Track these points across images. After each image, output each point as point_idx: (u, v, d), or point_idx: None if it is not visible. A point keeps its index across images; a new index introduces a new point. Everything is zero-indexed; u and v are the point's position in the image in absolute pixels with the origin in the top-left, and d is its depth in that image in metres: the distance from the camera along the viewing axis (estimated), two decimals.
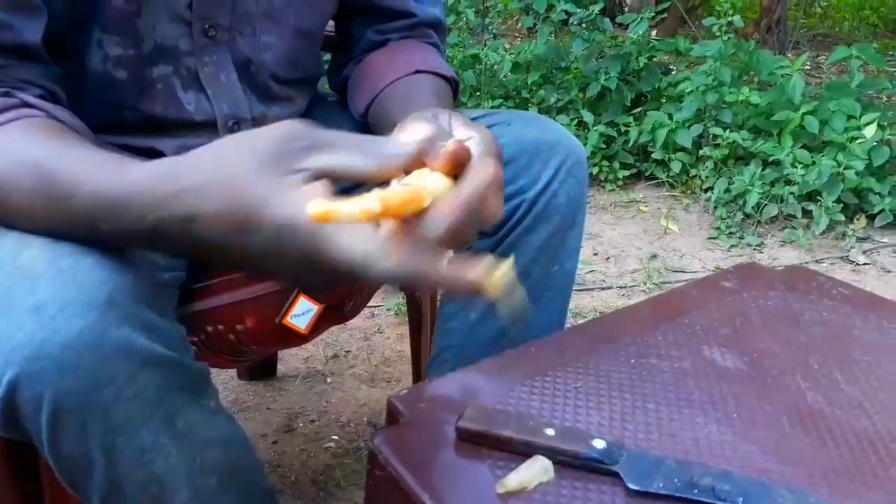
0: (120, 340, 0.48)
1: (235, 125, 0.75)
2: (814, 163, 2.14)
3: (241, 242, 0.45)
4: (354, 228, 0.43)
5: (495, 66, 2.71)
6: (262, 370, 1.41)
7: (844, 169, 2.10)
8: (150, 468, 0.53)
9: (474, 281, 0.44)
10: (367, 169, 0.46)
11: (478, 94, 2.67)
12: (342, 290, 0.83)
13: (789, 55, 2.77)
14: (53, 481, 0.65)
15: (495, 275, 0.45)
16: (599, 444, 0.54)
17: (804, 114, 2.22)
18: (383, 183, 0.47)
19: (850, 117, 2.22)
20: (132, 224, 0.48)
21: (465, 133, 0.54)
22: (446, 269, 0.44)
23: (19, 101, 0.57)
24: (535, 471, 0.52)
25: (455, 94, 0.82)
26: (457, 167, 0.48)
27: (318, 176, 0.45)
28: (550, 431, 0.55)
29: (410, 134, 0.52)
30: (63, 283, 0.48)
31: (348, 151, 0.46)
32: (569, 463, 0.54)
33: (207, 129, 0.74)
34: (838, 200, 2.11)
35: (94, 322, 0.47)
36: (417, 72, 0.78)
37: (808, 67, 3.49)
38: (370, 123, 0.81)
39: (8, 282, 0.49)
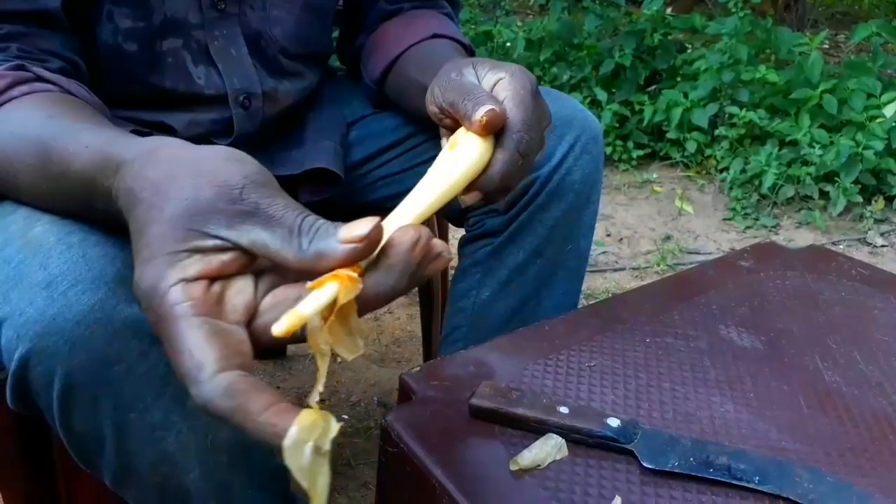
0: (130, 317, 0.48)
1: (246, 100, 0.74)
2: (832, 143, 2.10)
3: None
4: (208, 330, 0.36)
5: (507, 44, 2.68)
6: (271, 350, 1.41)
7: (863, 149, 2.06)
8: (160, 446, 0.53)
9: (284, 433, 0.36)
10: (290, 260, 0.38)
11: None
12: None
13: (807, 33, 2.71)
14: (66, 458, 0.65)
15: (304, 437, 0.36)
16: (614, 422, 0.53)
17: (822, 92, 2.18)
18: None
19: (869, 96, 2.17)
20: (97, 203, 0.46)
21: (493, 77, 0.55)
22: (267, 415, 0.35)
23: (33, 74, 0.56)
24: (549, 448, 0.52)
25: None
26: (492, 131, 0.51)
27: (229, 248, 0.38)
28: (564, 409, 0.54)
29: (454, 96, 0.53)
30: (73, 258, 0.47)
31: (282, 236, 0.38)
32: (583, 441, 0.53)
33: (218, 103, 0.73)
34: (856, 181, 2.07)
35: (103, 298, 0.47)
36: (435, 36, 0.77)
37: (827, 46, 3.43)
38: (386, 89, 0.80)
39: (19, 256, 0.48)
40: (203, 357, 0.35)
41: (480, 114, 0.50)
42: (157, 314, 0.37)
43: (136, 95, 0.70)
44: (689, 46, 2.76)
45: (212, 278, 0.38)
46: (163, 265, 0.37)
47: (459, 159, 0.50)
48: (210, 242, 0.38)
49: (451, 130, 0.55)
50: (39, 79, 0.56)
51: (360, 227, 0.37)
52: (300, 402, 1.24)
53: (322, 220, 0.39)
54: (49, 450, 0.67)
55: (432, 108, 0.57)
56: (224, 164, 0.40)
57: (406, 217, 0.46)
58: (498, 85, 0.54)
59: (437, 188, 0.49)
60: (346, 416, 1.26)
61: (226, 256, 0.38)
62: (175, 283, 0.37)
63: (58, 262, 0.47)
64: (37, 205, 0.53)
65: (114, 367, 0.48)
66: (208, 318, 0.36)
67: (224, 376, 0.35)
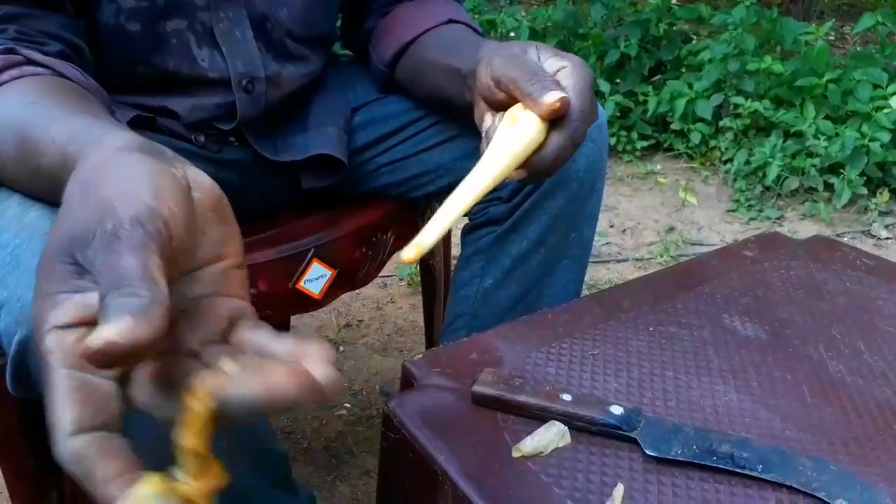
0: None
1: (249, 84, 0.74)
2: (837, 134, 2.09)
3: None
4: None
5: (511, 33, 2.67)
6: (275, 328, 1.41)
7: (869, 141, 2.05)
8: (161, 430, 0.53)
9: None
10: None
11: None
12: (357, 258, 0.82)
13: (813, 24, 2.69)
14: None
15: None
16: (617, 410, 0.53)
17: (828, 82, 2.17)
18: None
19: (875, 87, 2.16)
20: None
21: (556, 63, 0.57)
22: (109, 486, 0.33)
23: (23, 58, 0.55)
24: (552, 436, 0.51)
25: None
26: (556, 116, 0.54)
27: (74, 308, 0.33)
28: (567, 397, 0.54)
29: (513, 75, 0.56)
30: None
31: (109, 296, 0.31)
32: (585, 429, 0.53)
33: (221, 86, 0.73)
34: (861, 173, 2.06)
35: None
36: (451, 21, 0.77)
37: (832, 37, 3.41)
38: (398, 72, 0.80)
39: (15, 241, 0.48)
40: (61, 415, 0.32)
41: (552, 99, 0.53)
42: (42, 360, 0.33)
43: (139, 78, 0.70)
44: (695, 37, 2.75)
45: (88, 323, 0.32)
46: (42, 307, 0.33)
47: (520, 135, 0.54)
48: (86, 281, 0.33)
49: (500, 106, 0.58)
50: (30, 62, 0.55)
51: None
52: None
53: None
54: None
55: (486, 81, 0.59)
56: (122, 195, 0.34)
57: (472, 190, 0.52)
58: (561, 73, 0.57)
59: (500, 161, 0.53)
60: (348, 405, 1.27)
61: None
62: (49, 329, 0.32)
63: None
64: (23, 192, 0.52)
65: None
66: (73, 371, 0.32)
67: (74, 440, 0.32)
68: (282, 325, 1.40)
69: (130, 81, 0.69)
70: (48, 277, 0.33)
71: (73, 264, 0.33)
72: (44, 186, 0.48)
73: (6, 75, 0.54)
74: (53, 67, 0.56)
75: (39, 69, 0.55)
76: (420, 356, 0.61)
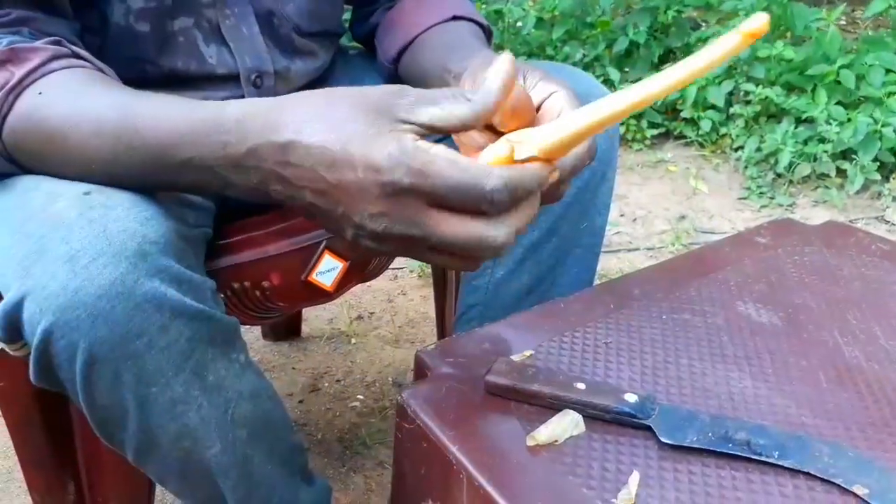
0: (151, 291, 0.48)
1: (258, 79, 0.74)
2: (849, 120, 2.07)
3: (324, 181, 0.45)
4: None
5: (518, 22, 2.65)
6: (286, 331, 1.42)
7: (882, 126, 2.03)
8: (182, 420, 0.53)
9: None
10: (467, 120, 0.46)
11: (500, 51, 2.61)
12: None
13: (824, 8, 2.66)
14: (86, 435, 0.66)
15: None
16: (631, 398, 0.53)
17: (840, 68, 2.14)
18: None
19: (888, 71, 2.13)
20: (215, 150, 0.48)
21: (546, 89, 0.55)
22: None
23: (70, 51, 0.57)
24: (566, 424, 0.51)
25: (489, 42, 0.80)
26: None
27: (421, 131, 0.45)
28: (581, 386, 0.54)
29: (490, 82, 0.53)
30: (94, 233, 0.48)
31: (451, 103, 0.45)
32: (599, 417, 0.53)
33: (230, 82, 0.73)
34: (874, 159, 2.04)
35: (124, 273, 0.47)
36: (455, 18, 0.76)
37: (844, 22, 3.37)
38: (401, 69, 0.80)
39: (41, 230, 0.49)
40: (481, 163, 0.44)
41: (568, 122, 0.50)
42: (414, 168, 0.43)
43: (147, 76, 0.70)
44: (704, 24, 2.72)
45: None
46: (391, 137, 0.43)
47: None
48: (402, 127, 0.44)
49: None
50: (76, 55, 0.57)
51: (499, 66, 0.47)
52: (314, 384, 1.26)
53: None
54: (70, 425, 0.68)
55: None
56: (361, 87, 0.48)
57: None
58: (551, 98, 0.54)
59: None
60: (361, 397, 1.27)
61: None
62: (415, 140, 0.44)
63: (79, 236, 0.47)
64: (78, 170, 0.53)
65: (135, 340, 0.48)
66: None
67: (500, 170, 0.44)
68: (294, 318, 1.41)
69: (139, 80, 0.70)
70: (377, 125, 0.44)
71: (385, 118, 0.45)
72: (138, 158, 0.51)
73: (56, 64, 0.55)
74: (94, 62, 0.58)
75: (84, 63, 0.57)
76: (433, 346, 0.61)
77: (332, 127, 0.45)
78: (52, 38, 0.57)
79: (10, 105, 0.53)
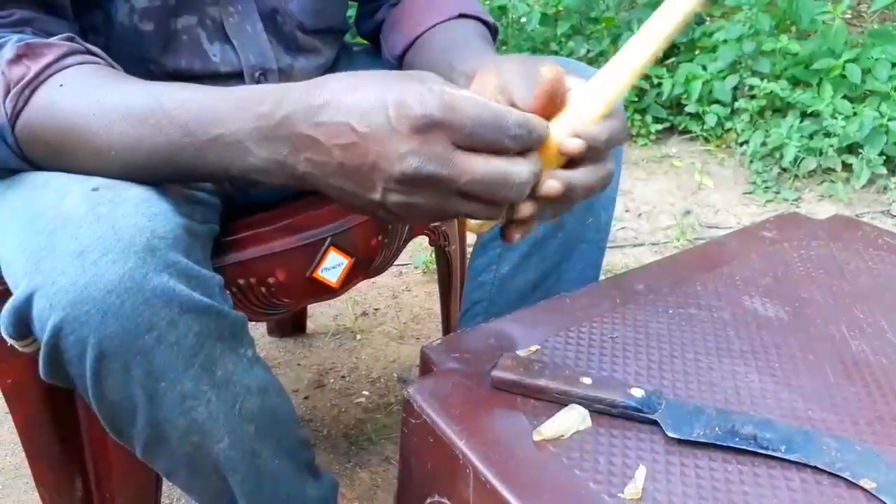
0: (159, 286, 0.48)
1: (262, 76, 0.74)
2: (855, 114, 2.06)
3: (355, 132, 0.46)
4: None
5: (522, 19, 2.64)
6: (292, 327, 1.42)
7: (888, 120, 2.02)
8: (191, 415, 0.53)
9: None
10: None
11: (504, 47, 2.61)
12: (374, 247, 0.82)
13: (829, 2, 2.65)
14: (93, 430, 0.67)
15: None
16: (638, 392, 0.53)
17: (846, 62, 2.13)
18: None
19: (894, 65, 2.12)
20: (248, 122, 0.49)
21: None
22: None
23: (84, 48, 0.57)
24: (572, 419, 0.51)
25: (494, 40, 0.80)
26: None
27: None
28: (587, 380, 0.54)
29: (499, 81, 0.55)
30: (103, 229, 0.48)
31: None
32: (606, 412, 0.53)
33: (234, 80, 0.73)
34: (880, 153, 2.03)
35: (133, 268, 0.47)
36: (461, 15, 0.76)
37: (849, 16, 3.35)
38: (406, 66, 0.80)
39: (51, 226, 0.49)
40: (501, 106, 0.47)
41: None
42: (442, 102, 0.45)
43: (152, 75, 0.70)
44: (708, 18, 2.71)
45: None
46: (420, 83, 0.46)
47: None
48: (430, 79, 0.48)
49: None
50: (89, 52, 0.58)
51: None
52: (320, 379, 1.26)
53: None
54: (77, 422, 0.68)
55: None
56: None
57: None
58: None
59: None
60: (366, 393, 1.27)
61: None
62: (442, 83, 0.47)
63: (88, 232, 0.48)
64: (96, 159, 0.53)
65: (145, 335, 0.48)
66: None
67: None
68: (299, 314, 1.41)
69: (143, 77, 0.70)
70: (412, 77, 0.48)
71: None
72: (162, 143, 0.52)
73: (71, 59, 0.55)
74: (106, 59, 0.58)
75: (97, 59, 0.58)
76: (438, 342, 0.61)
77: (366, 88, 0.47)
78: (66, 35, 0.57)
79: (25, 99, 0.54)
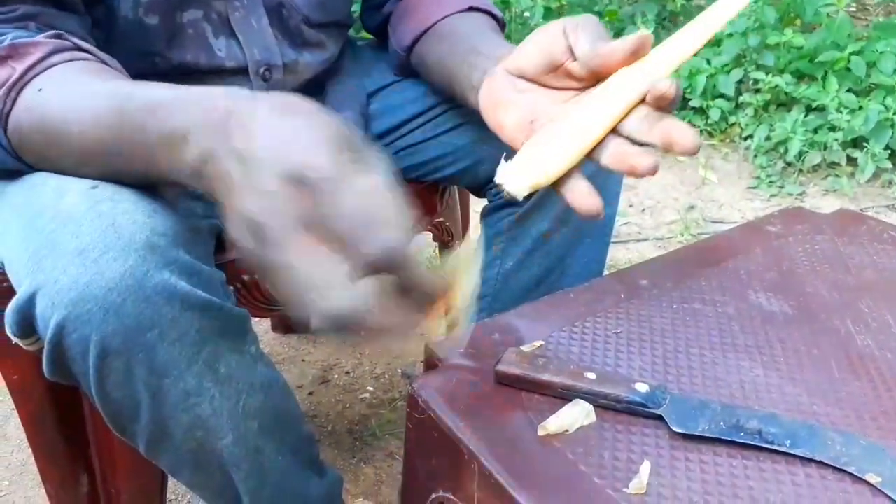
0: (161, 283, 0.48)
1: (267, 71, 0.74)
2: (860, 107, 2.05)
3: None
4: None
5: (526, 13, 2.64)
6: (296, 323, 1.42)
7: (893, 114, 2.01)
8: (194, 412, 0.53)
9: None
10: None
11: (508, 41, 2.60)
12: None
13: None
14: (99, 427, 0.67)
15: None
16: (642, 387, 0.53)
17: (851, 54, 2.12)
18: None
19: None
20: (196, 116, 0.46)
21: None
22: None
23: (71, 43, 0.57)
24: (577, 414, 0.51)
25: (502, 34, 0.80)
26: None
27: None
28: (591, 375, 0.54)
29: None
30: (103, 227, 0.48)
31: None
32: (610, 407, 0.53)
33: (239, 75, 0.73)
34: (885, 147, 2.02)
35: (134, 265, 0.47)
36: (471, 8, 0.76)
37: (854, 8, 3.33)
38: (414, 57, 0.79)
39: (52, 225, 0.49)
40: None
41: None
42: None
43: (156, 70, 0.70)
44: None
45: None
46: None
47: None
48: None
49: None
50: (78, 48, 0.57)
51: None
52: (324, 375, 1.25)
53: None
54: (82, 419, 0.69)
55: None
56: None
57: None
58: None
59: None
60: (370, 388, 1.27)
61: None
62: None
63: (89, 230, 0.48)
64: (84, 171, 0.53)
65: (147, 333, 0.48)
66: None
67: None
68: None
69: (148, 73, 0.70)
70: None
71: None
72: (137, 148, 0.49)
73: (57, 58, 0.55)
74: (97, 55, 0.58)
75: (87, 55, 0.57)
76: (443, 337, 0.61)
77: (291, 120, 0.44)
78: (53, 32, 0.56)
79: (12, 101, 0.53)
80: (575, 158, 0.51)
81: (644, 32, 0.51)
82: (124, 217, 0.49)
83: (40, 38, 0.55)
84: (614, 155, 0.50)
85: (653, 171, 0.49)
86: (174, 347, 0.50)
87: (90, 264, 0.47)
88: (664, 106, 0.50)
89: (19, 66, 0.53)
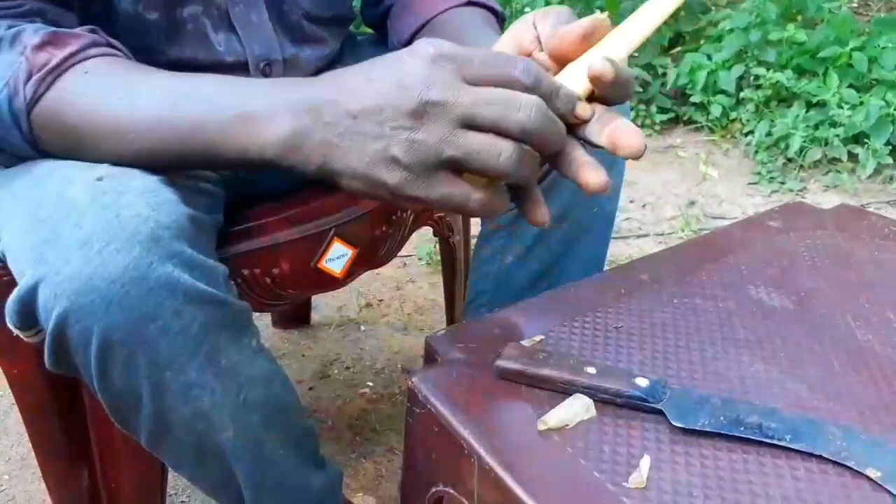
0: (164, 276, 0.48)
1: (267, 66, 0.74)
2: (861, 103, 2.05)
3: (368, 85, 0.48)
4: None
5: (527, 8, 2.63)
6: (296, 318, 1.42)
7: (894, 110, 2.00)
8: (196, 404, 0.53)
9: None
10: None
11: None
12: (378, 237, 0.82)
13: None
14: (99, 421, 0.67)
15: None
16: (642, 382, 0.53)
17: (852, 50, 2.12)
18: None
19: None
20: (275, 98, 0.51)
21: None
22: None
23: (105, 40, 0.58)
24: (577, 408, 0.51)
25: (501, 28, 0.80)
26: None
27: None
28: (591, 370, 0.54)
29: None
30: (107, 218, 0.48)
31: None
32: (610, 401, 0.53)
33: (239, 70, 0.73)
34: (886, 143, 2.02)
35: (137, 257, 0.47)
36: (470, 3, 0.76)
37: (856, 5, 3.33)
38: None
39: (55, 216, 0.49)
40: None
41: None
42: (453, 47, 0.47)
43: (155, 66, 0.70)
44: (713, 7, 2.69)
45: None
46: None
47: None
48: None
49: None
50: (110, 44, 0.58)
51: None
52: (324, 370, 1.26)
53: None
54: (83, 412, 0.69)
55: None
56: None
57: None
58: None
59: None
60: (370, 384, 1.27)
61: None
62: None
63: (92, 221, 0.48)
64: (126, 145, 0.54)
65: (149, 325, 0.48)
66: None
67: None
68: (303, 305, 1.41)
69: None
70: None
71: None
72: (208, 130, 0.52)
73: (95, 50, 0.56)
74: (126, 52, 0.59)
75: (118, 52, 0.58)
76: (443, 332, 0.61)
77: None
78: (89, 27, 0.57)
79: (48, 85, 0.54)
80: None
81: (599, 15, 0.51)
82: (128, 209, 0.49)
83: (79, 30, 0.56)
84: (570, 166, 0.50)
85: (603, 189, 0.49)
86: (176, 340, 0.50)
87: (93, 255, 0.47)
88: (605, 91, 0.50)
89: (59, 54, 0.54)
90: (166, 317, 0.49)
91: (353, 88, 0.48)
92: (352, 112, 0.47)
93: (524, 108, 0.46)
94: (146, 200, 0.50)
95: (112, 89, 0.54)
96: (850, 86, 2.12)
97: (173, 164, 0.54)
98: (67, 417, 0.70)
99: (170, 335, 0.49)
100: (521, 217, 0.80)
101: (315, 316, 1.45)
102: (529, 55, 0.54)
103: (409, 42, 0.79)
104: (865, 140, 2.04)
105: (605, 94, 0.50)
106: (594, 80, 0.49)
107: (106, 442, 0.69)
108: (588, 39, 0.51)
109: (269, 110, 0.50)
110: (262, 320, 1.42)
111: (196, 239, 0.52)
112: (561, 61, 0.53)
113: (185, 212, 0.52)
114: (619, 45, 0.52)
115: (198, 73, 0.55)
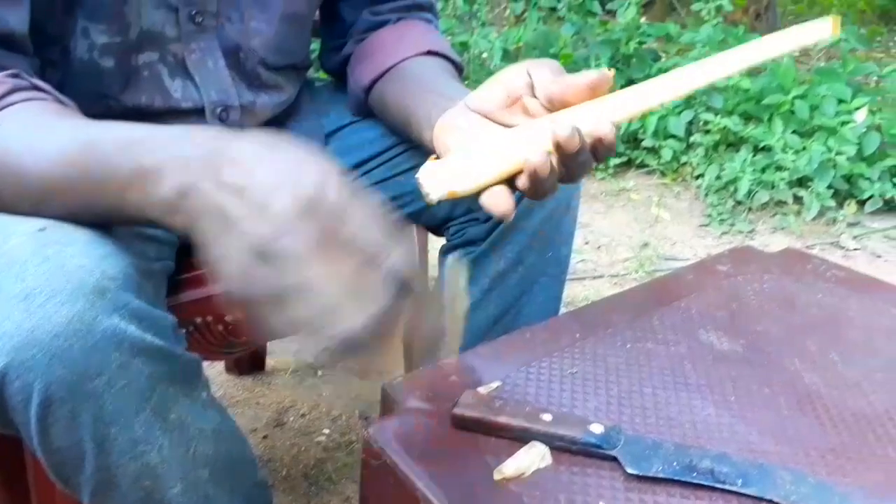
0: (110, 329, 0.47)
1: (224, 112, 0.74)
2: (804, 148, 2.14)
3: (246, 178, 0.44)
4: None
5: (484, 54, 2.69)
6: (251, 364, 1.40)
7: (836, 154, 2.10)
8: (143, 460, 0.52)
9: None
10: None
11: (466, 82, 2.65)
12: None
13: None
14: (40, 478, 0.64)
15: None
16: (597, 428, 0.53)
17: (795, 98, 2.22)
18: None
19: (840, 101, 2.22)
20: (172, 154, 0.47)
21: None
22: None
23: (29, 83, 0.56)
24: (533, 457, 0.51)
25: (459, 78, 0.81)
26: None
27: None
28: (547, 417, 0.54)
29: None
30: (49, 270, 0.47)
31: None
32: (566, 448, 0.53)
33: (195, 116, 0.73)
34: (829, 186, 2.11)
35: (82, 310, 0.46)
36: (430, 52, 0.77)
37: (798, 53, 3.50)
38: (372, 98, 0.80)
39: None
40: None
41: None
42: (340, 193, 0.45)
43: (110, 113, 0.69)
44: (664, 55, 2.80)
45: None
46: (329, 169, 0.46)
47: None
48: None
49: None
50: (36, 87, 0.56)
51: None
52: (279, 418, 1.23)
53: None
54: (23, 469, 0.66)
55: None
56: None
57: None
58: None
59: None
60: (327, 431, 1.25)
61: None
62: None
63: (34, 274, 0.46)
64: (43, 210, 0.52)
65: (94, 380, 0.47)
66: None
67: None
68: (258, 351, 1.39)
69: (102, 116, 0.69)
70: None
71: None
72: (102, 187, 0.50)
73: (15, 97, 0.54)
74: (54, 94, 0.57)
75: (45, 95, 0.56)
76: (399, 379, 0.61)
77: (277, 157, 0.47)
78: (11, 72, 0.56)
79: None
80: (497, 177, 0.53)
81: (606, 70, 0.53)
82: (73, 260, 0.47)
83: (1, 75, 0.55)
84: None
85: (504, 217, 0.53)
86: (122, 394, 0.48)
87: (35, 309, 0.45)
88: (569, 154, 0.52)
89: None
90: (112, 371, 0.47)
91: (236, 173, 0.44)
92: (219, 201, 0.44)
93: (347, 320, 0.43)
94: (91, 251, 0.49)
95: (25, 146, 0.52)
96: (794, 131, 2.22)
97: (99, 221, 0.52)
98: (7, 472, 0.67)
99: (115, 390, 0.48)
100: (476, 264, 0.80)
101: (270, 361, 1.42)
102: (518, 100, 0.56)
103: (369, 88, 0.80)
104: (809, 183, 2.13)
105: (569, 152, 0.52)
106: (556, 146, 0.51)
107: (47, 500, 0.66)
108: (594, 90, 0.53)
109: (161, 166, 0.47)
110: (215, 367, 1.39)
111: (143, 289, 0.51)
112: (556, 108, 0.55)
113: (132, 261, 0.51)
114: (618, 106, 0.54)
115: (116, 123, 0.53)
